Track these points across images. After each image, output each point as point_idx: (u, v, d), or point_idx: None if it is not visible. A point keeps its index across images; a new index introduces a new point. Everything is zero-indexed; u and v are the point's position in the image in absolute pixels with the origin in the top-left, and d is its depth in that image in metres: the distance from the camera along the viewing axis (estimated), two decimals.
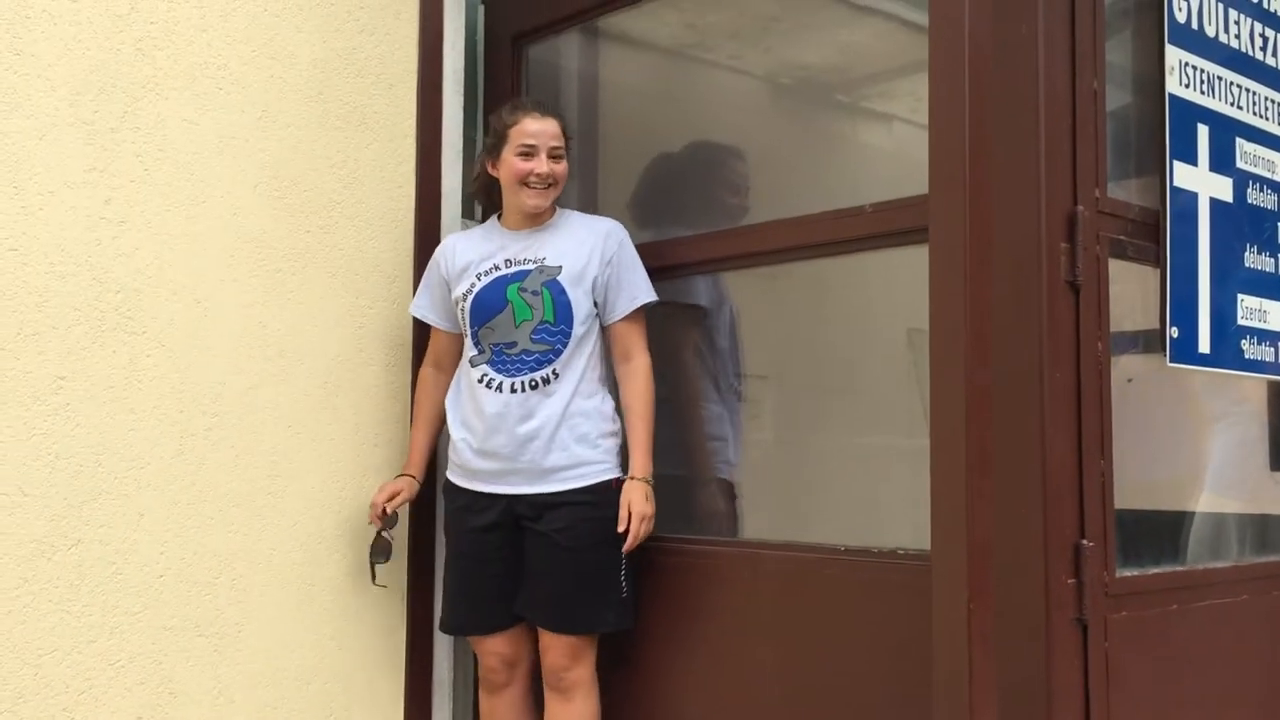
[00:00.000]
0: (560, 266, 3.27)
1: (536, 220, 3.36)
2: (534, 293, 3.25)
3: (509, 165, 3.29)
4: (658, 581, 3.29)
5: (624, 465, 3.31)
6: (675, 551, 3.30)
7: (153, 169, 3.16)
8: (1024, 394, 2.56)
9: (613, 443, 3.32)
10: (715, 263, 3.46)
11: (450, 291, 3.39)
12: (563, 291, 3.25)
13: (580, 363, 3.27)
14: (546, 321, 3.24)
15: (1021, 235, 2.59)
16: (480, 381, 3.28)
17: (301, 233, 3.44)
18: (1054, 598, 2.55)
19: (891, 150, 3.93)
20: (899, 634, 2.70)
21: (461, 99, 3.87)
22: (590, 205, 3.81)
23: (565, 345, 3.24)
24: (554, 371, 3.24)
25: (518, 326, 3.24)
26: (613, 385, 3.40)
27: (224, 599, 3.22)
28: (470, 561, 3.36)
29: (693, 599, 3.22)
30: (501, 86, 3.93)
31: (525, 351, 3.24)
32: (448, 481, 3.42)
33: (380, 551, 3.42)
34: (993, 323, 2.45)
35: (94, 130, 3.06)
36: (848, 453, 3.61)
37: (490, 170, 3.38)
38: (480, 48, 4.01)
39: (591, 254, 3.28)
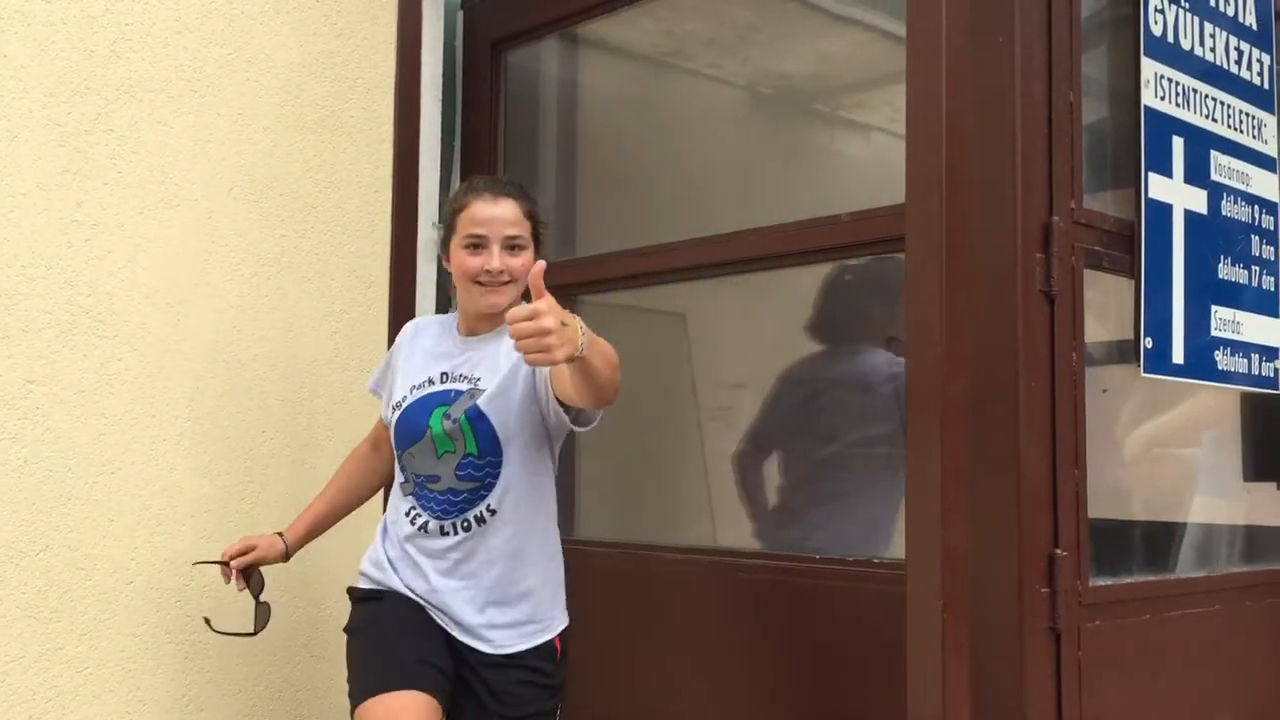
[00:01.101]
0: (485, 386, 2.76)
1: (491, 323, 2.81)
2: (454, 420, 2.73)
3: (456, 260, 2.77)
4: (631, 588, 3.28)
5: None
6: (649, 559, 3.29)
7: (126, 172, 3.15)
8: (999, 403, 2.56)
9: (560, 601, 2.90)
10: (690, 270, 3.45)
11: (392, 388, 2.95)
12: (481, 416, 2.72)
13: (525, 495, 2.79)
14: (470, 455, 2.74)
15: (997, 245, 2.60)
16: (407, 515, 2.83)
17: (277, 237, 3.43)
18: (1027, 607, 2.55)
19: (869, 159, 3.94)
20: (873, 642, 2.70)
21: (440, 104, 3.86)
22: (569, 216, 3.80)
23: (496, 478, 2.76)
24: (489, 508, 2.77)
25: (439, 459, 2.76)
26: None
27: (194, 606, 3.20)
28: (386, 625, 2.84)
29: (666, 606, 3.22)
30: (480, 92, 3.92)
31: (452, 490, 2.76)
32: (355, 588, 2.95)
33: (261, 616, 3.03)
34: (968, 332, 2.45)
35: (67, 132, 3.05)
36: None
37: (445, 263, 2.88)
38: (459, 53, 3.99)
39: (511, 352, 2.42)
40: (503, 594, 2.77)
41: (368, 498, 3.15)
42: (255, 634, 3.02)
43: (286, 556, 3.05)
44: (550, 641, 2.83)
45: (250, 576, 3.02)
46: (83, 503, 3.03)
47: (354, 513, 3.17)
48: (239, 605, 3.05)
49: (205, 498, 3.24)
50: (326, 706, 3.42)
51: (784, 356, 3.64)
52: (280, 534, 3.05)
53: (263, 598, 3.02)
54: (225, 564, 2.98)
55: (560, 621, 2.86)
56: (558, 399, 2.64)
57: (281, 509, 3.33)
